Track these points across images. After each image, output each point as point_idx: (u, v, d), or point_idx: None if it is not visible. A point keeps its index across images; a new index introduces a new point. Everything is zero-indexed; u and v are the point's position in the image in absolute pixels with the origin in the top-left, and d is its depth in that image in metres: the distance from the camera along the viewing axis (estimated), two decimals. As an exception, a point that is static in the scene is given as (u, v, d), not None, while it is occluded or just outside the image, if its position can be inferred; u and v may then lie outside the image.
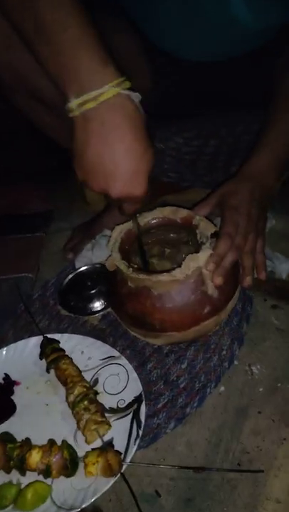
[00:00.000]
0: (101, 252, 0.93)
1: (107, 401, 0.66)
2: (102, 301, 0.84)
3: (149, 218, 0.73)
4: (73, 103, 0.52)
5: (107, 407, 0.66)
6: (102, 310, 0.83)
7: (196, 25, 0.83)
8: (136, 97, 0.54)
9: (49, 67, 0.52)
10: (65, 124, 0.88)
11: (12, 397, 0.68)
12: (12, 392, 0.69)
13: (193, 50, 0.89)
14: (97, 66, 0.51)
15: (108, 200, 0.61)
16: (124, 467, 0.57)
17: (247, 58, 0.89)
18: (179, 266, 0.63)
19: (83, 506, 0.54)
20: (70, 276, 0.89)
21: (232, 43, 0.85)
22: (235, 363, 0.72)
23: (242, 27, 0.79)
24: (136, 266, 0.68)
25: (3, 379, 0.70)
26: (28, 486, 0.56)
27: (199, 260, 0.63)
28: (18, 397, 0.69)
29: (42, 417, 0.66)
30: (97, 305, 0.84)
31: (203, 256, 0.64)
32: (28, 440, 0.59)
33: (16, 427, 0.63)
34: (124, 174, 0.54)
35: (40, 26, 0.50)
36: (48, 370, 0.70)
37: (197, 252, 0.64)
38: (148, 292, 0.65)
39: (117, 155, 0.53)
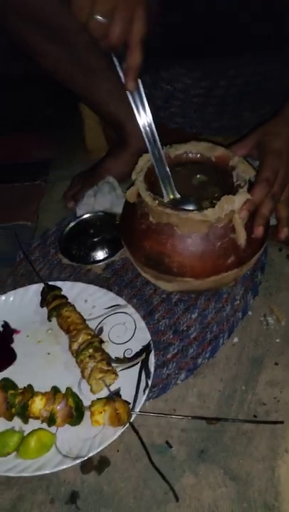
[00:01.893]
0: (104, 199, 0.86)
1: (113, 351, 0.62)
2: (106, 250, 0.78)
3: (181, 152, 0.66)
4: None
5: (113, 357, 0.62)
6: (106, 259, 0.78)
7: None
8: None
9: None
10: (68, 53, 0.80)
11: (12, 346, 0.64)
12: (12, 341, 0.64)
13: None
14: None
15: (111, 37, 0.51)
16: (133, 417, 0.53)
17: None
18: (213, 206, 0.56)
19: (90, 455, 0.50)
20: (72, 224, 0.83)
21: None
22: (250, 313, 0.68)
23: None
24: (161, 199, 0.61)
25: (2, 326, 0.66)
26: (31, 433, 0.52)
27: (235, 204, 0.57)
28: (18, 345, 0.64)
29: (43, 366, 0.62)
30: (101, 253, 0.78)
31: (240, 200, 0.57)
32: (30, 387, 0.55)
33: (17, 376, 0.59)
34: None
35: None
36: (49, 319, 0.66)
37: (229, 194, 0.58)
38: (171, 231, 0.58)
39: None
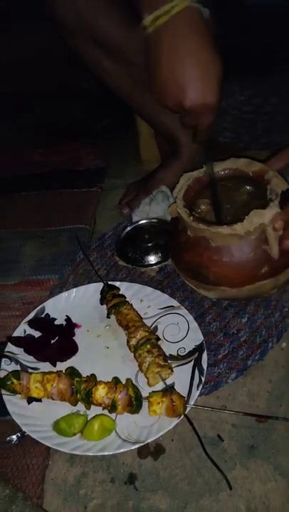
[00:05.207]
0: (158, 207, 0.91)
1: (167, 348, 0.66)
2: (160, 254, 0.83)
3: (221, 168, 0.70)
4: (147, 20, 0.54)
5: (167, 354, 0.65)
6: (159, 262, 0.82)
7: None
8: (205, 11, 0.55)
9: None
10: (125, 69, 0.86)
11: (74, 339, 0.69)
12: (73, 334, 0.70)
13: None
14: None
15: (183, 120, 0.60)
16: (187, 409, 0.57)
17: None
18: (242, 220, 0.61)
19: (148, 441, 0.55)
20: (128, 228, 0.88)
21: None
22: (298, 320, 0.71)
23: None
24: (197, 215, 0.65)
25: (65, 320, 0.71)
26: (94, 417, 0.57)
27: (265, 217, 0.60)
28: (79, 338, 0.70)
29: (103, 358, 0.67)
30: (154, 257, 0.83)
31: (270, 213, 0.60)
32: (93, 376, 0.60)
33: (78, 366, 0.64)
34: (196, 82, 0.54)
35: None
36: (108, 315, 0.71)
37: (264, 208, 0.62)
38: (206, 243, 0.63)
39: (188, 65, 0.54)
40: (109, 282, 0.75)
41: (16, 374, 0.60)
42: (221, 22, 0.91)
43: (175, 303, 0.72)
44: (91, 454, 0.54)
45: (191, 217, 0.63)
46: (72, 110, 1.36)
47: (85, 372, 0.62)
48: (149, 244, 0.85)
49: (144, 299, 0.74)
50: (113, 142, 1.21)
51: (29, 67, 1.40)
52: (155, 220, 0.89)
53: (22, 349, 0.67)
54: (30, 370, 0.64)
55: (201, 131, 0.61)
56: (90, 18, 0.79)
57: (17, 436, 0.57)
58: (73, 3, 0.77)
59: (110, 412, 0.58)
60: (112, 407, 0.57)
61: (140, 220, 0.89)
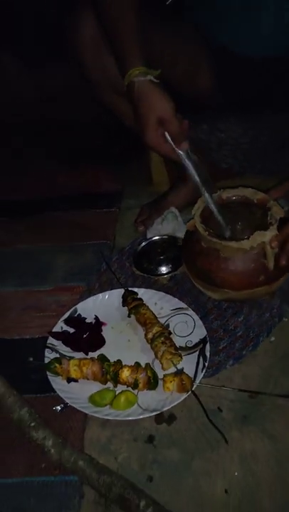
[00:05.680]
0: (168, 225, 1.08)
1: (177, 341, 0.82)
2: (170, 265, 0.99)
3: (231, 194, 0.87)
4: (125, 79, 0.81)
5: (177, 346, 0.81)
6: (169, 272, 0.98)
7: (254, 20, 0.96)
8: (150, 76, 0.79)
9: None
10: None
11: (101, 334, 0.85)
12: (101, 330, 0.86)
13: (251, 43, 1.01)
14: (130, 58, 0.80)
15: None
16: (194, 386, 0.73)
17: None
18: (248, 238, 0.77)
19: (163, 410, 0.70)
20: (143, 244, 1.05)
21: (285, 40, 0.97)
22: (284, 319, 0.86)
23: None
24: (211, 230, 0.82)
25: (94, 319, 0.87)
26: (120, 393, 0.73)
27: (265, 237, 0.77)
28: (105, 334, 0.85)
29: (125, 349, 0.83)
30: (166, 268, 0.99)
31: (270, 234, 0.77)
32: (119, 361, 0.76)
33: (106, 355, 0.79)
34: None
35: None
36: (129, 315, 0.87)
37: (265, 229, 0.78)
38: (217, 254, 0.79)
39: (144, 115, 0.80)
40: (129, 288, 0.91)
41: (58, 360, 0.76)
42: (220, 72, 1.09)
43: (183, 305, 0.88)
44: (119, 419, 0.70)
45: (207, 232, 0.80)
46: (91, 138, 1.54)
47: (112, 360, 0.78)
48: (162, 257, 1.01)
49: (158, 302, 0.90)
50: (127, 167, 1.37)
51: (53, 99, 1.59)
52: (166, 237, 1.06)
53: (60, 342, 0.83)
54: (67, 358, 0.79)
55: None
56: (112, 75, 0.97)
57: (61, 406, 0.73)
58: (103, 64, 0.95)
59: (133, 388, 0.73)
60: (135, 385, 0.73)
61: (153, 237, 1.06)
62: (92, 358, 0.76)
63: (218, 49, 1.05)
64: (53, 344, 0.82)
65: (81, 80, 1.05)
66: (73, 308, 0.89)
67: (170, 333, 0.82)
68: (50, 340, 0.83)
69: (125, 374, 0.74)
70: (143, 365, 0.76)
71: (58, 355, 0.80)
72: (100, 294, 0.92)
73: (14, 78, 1.64)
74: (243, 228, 0.90)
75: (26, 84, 1.62)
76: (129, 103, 0.83)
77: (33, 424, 0.65)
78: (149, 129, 0.79)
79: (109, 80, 0.96)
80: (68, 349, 0.82)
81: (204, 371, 0.76)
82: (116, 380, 0.74)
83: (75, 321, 0.87)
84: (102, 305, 0.90)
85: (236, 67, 1.06)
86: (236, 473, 0.64)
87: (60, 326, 0.86)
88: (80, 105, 1.47)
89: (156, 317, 0.85)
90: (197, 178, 0.81)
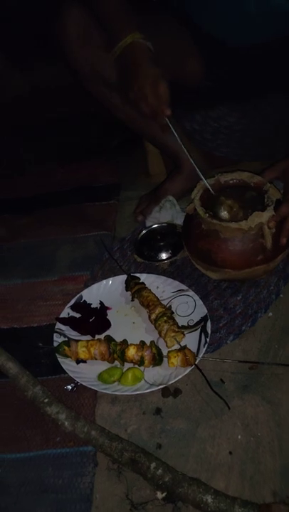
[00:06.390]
0: (166, 213, 1.12)
1: (180, 321, 0.86)
2: (170, 251, 1.03)
3: (229, 178, 0.90)
4: (114, 50, 0.90)
5: (180, 325, 0.85)
6: (169, 258, 1.02)
7: (236, 10, 1.00)
8: (149, 44, 0.90)
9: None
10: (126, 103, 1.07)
11: (107, 317, 0.89)
12: (106, 314, 0.90)
13: (238, 31, 1.05)
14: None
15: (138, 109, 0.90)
16: (197, 360, 0.77)
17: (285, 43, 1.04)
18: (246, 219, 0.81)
19: (168, 383, 0.74)
20: (143, 232, 1.09)
21: (272, 26, 1.01)
22: (281, 295, 0.90)
23: (279, 12, 0.96)
24: (211, 213, 0.85)
25: (99, 304, 0.91)
26: (127, 370, 0.77)
27: (263, 217, 0.81)
28: (111, 317, 0.89)
29: (130, 331, 0.87)
30: (166, 254, 1.03)
31: (267, 215, 0.81)
32: (125, 340, 0.80)
33: (113, 337, 0.84)
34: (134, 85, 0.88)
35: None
36: (132, 299, 0.91)
37: (262, 210, 0.82)
38: (217, 235, 0.83)
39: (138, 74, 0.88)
40: (131, 274, 0.95)
41: (66, 342, 0.81)
42: (209, 61, 1.13)
43: (184, 287, 0.92)
44: (127, 394, 0.74)
45: (207, 214, 0.83)
46: (87, 133, 1.58)
47: (118, 341, 0.82)
48: (161, 244, 1.05)
49: (160, 286, 0.94)
50: (125, 160, 1.41)
51: (46, 98, 1.63)
52: (165, 224, 1.10)
53: (68, 327, 0.87)
54: (76, 341, 0.84)
55: (162, 105, 0.86)
56: (100, 69, 1.01)
57: (72, 386, 0.77)
58: (86, 58, 1.00)
59: (139, 365, 0.77)
60: (141, 362, 0.77)
61: (153, 225, 1.10)
62: (99, 339, 0.80)
63: (206, 38, 1.09)
64: (60, 329, 0.86)
65: (70, 73, 1.09)
66: (78, 295, 0.93)
67: (172, 313, 0.86)
68: (58, 325, 0.87)
69: (131, 352, 0.78)
70: (148, 344, 0.80)
71: (66, 339, 0.84)
72: (104, 281, 0.96)
73: (5, 75, 1.68)
74: (242, 210, 0.94)
75: (18, 79, 1.66)
76: (119, 66, 0.92)
77: (46, 400, 0.69)
78: (137, 83, 0.86)
79: (98, 72, 1.00)
80: (76, 333, 0.86)
81: (206, 347, 0.80)
82: (123, 359, 0.78)
83: (81, 306, 0.91)
84: (106, 291, 0.94)
85: (225, 56, 1.09)
86: (239, 437, 0.68)
87: (66, 312, 0.90)
88: (75, 99, 1.50)
89: (158, 299, 0.89)
90: (180, 141, 0.88)
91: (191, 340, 0.82)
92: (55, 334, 0.85)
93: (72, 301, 0.92)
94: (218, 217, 0.88)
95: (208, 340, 0.81)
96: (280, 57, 1.10)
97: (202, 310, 0.87)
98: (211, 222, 0.82)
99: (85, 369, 0.79)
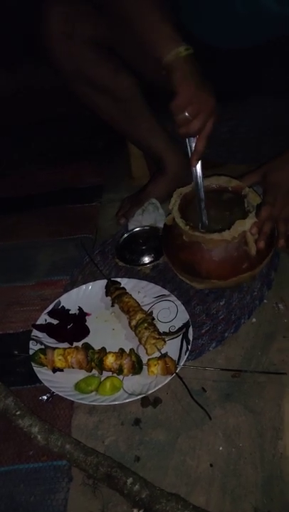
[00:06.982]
0: (149, 216, 1.10)
1: (161, 327, 0.83)
2: (152, 255, 1.01)
3: (207, 183, 0.88)
4: (167, 58, 0.78)
5: (161, 331, 0.83)
6: (152, 262, 1.00)
7: (226, 13, 0.97)
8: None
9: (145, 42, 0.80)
10: (114, 105, 1.04)
11: (86, 324, 0.86)
12: (85, 321, 0.87)
13: (223, 36, 1.03)
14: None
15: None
16: (178, 369, 0.74)
17: (273, 46, 1.03)
18: (228, 228, 0.79)
19: (148, 393, 0.71)
20: (125, 235, 1.06)
21: (261, 29, 0.99)
22: (265, 301, 0.88)
23: (268, 14, 0.93)
24: (191, 224, 0.83)
25: (78, 310, 0.88)
26: (106, 378, 0.74)
27: (245, 226, 0.79)
28: (90, 324, 0.86)
29: (110, 337, 0.84)
30: (148, 258, 1.00)
31: (249, 222, 0.79)
32: (104, 348, 0.77)
33: (91, 344, 0.81)
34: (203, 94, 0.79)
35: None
36: (112, 304, 0.88)
37: (243, 217, 0.80)
38: (200, 246, 0.81)
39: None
40: (112, 278, 0.92)
41: (42, 350, 0.77)
42: (202, 62, 1.11)
43: (166, 292, 0.90)
44: (105, 404, 0.71)
45: (188, 227, 0.81)
46: (70, 135, 1.55)
47: (96, 348, 0.79)
48: (143, 247, 1.02)
49: (141, 291, 0.91)
50: (108, 162, 1.39)
51: (32, 99, 1.60)
52: (147, 227, 1.07)
53: (45, 333, 0.84)
54: (53, 348, 0.80)
55: (204, 137, 0.80)
56: (84, 67, 0.98)
57: (47, 396, 0.74)
58: (71, 56, 0.97)
59: (118, 374, 0.75)
60: (120, 371, 0.74)
61: (135, 228, 1.07)
62: (76, 347, 0.77)
63: (195, 42, 1.07)
64: (37, 336, 0.83)
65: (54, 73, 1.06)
66: (56, 300, 0.90)
67: (153, 319, 0.83)
68: (35, 332, 0.84)
69: (110, 360, 0.75)
70: (127, 352, 0.77)
71: (42, 347, 0.81)
72: (84, 286, 0.93)
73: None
74: (220, 216, 0.92)
75: (3, 79, 1.62)
76: (166, 73, 0.79)
77: (18, 412, 0.66)
78: (187, 92, 0.77)
79: (82, 71, 0.98)
80: (53, 340, 0.83)
81: (187, 354, 0.78)
82: (101, 367, 0.75)
83: (59, 313, 0.88)
84: (85, 296, 0.92)
85: (212, 60, 1.07)
86: (221, 448, 0.65)
87: (43, 319, 0.87)
88: (61, 101, 1.47)
89: (139, 305, 0.86)
90: (202, 193, 0.84)
91: (172, 347, 0.79)
92: (31, 342, 0.82)
93: (50, 307, 0.89)
94: (198, 226, 0.85)
95: (189, 347, 0.78)
96: (270, 60, 1.09)
97: (184, 316, 0.84)
98: (194, 234, 0.80)
99: (62, 378, 0.76)
